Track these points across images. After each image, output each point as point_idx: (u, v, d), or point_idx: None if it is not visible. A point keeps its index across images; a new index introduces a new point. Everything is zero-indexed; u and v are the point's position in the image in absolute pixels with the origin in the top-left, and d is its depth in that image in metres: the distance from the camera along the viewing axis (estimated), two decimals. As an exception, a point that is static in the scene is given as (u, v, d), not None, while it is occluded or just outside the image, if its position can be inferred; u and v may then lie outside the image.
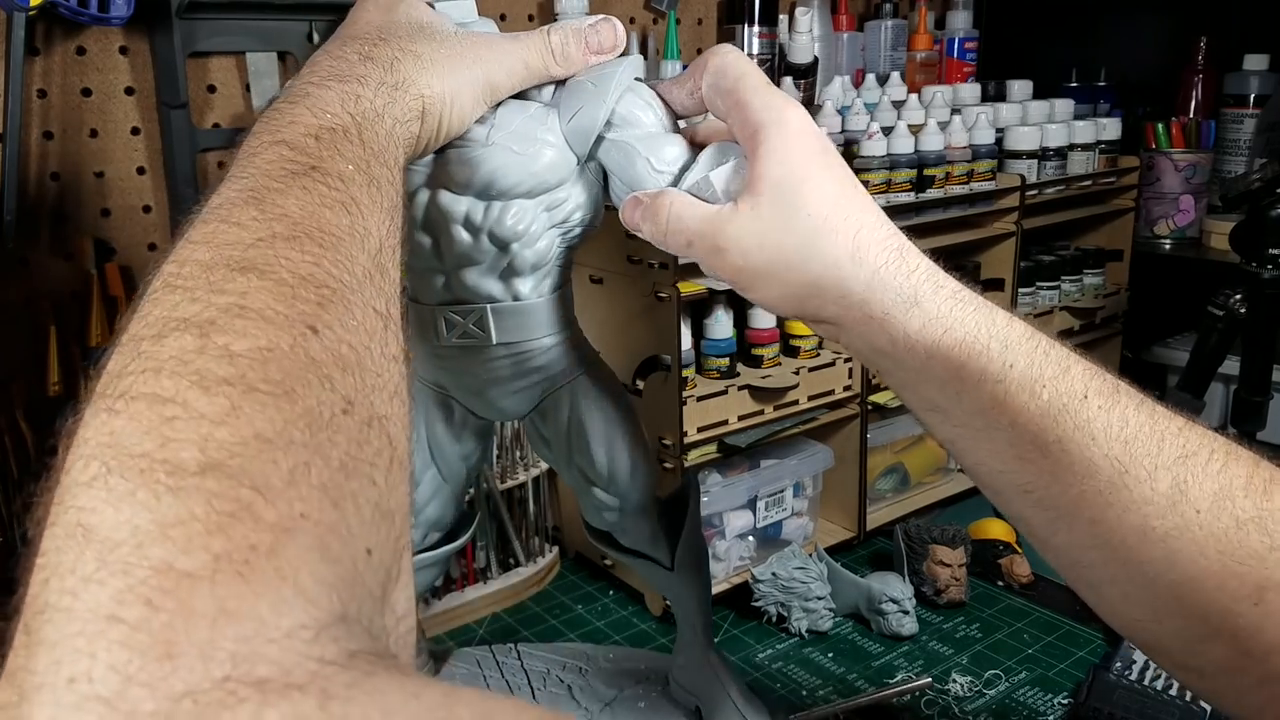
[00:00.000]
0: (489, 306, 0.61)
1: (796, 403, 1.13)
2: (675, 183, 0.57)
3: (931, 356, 0.50)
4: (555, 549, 1.20)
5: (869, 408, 1.19)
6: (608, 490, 0.69)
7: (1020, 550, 1.15)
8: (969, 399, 0.50)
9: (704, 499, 1.08)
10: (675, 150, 0.58)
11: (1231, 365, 1.12)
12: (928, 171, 1.19)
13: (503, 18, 1.22)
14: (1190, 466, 0.48)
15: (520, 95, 0.59)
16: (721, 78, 0.54)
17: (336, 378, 0.33)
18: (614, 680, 0.89)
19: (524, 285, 0.61)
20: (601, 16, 0.57)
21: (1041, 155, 1.32)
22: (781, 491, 1.15)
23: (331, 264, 0.36)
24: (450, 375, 0.65)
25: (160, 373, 0.30)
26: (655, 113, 0.58)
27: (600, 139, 0.58)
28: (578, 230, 0.61)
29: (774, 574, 1.05)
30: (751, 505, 1.13)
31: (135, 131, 1.00)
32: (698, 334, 1.10)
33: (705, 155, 0.57)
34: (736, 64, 0.54)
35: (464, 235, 0.58)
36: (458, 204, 0.57)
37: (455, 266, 0.59)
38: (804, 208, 0.51)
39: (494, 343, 0.62)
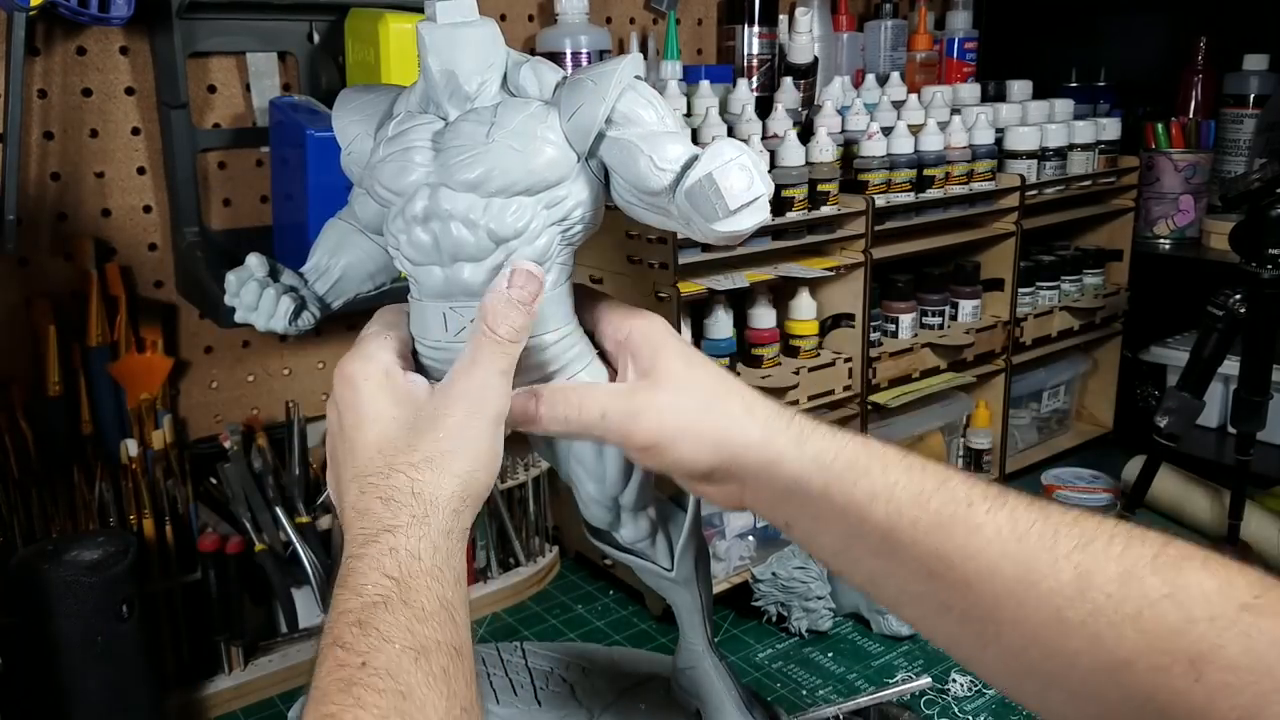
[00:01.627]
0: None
1: (796, 403, 1.13)
2: (678, 180, 0.57)
3: (827, 486, 0.54)
4: (555, 549, 1.20)
5: (869, 408, 1.19)
6: (606, 488, 0.68)
7: (1020, 550, 1.15)
8: (868, 527, 0.53)
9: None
10: (678, 149, 0.57)
11: (1231, 365, 1.12)
12: (927, 171, 1.19)
13: (503, 18, 1.22)
14: (1090, 552, 0.49)
15: (519, 93, 0.60)
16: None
17: None
18: (616, 681, 0.89)
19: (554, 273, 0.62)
20: (512, 268, 0.57)
21: (1041, 155, 1.32)
22: (781, 491, 1.15)
23: None
24: (435, 368, 0.65)
25: None
26: (657, 110, 0.58)
27: (601, 136, 0.58)
28: (578, 228, 0.61)
29: (774, 574, 1.05)
30: (751, 505, 1.13)
31: (135, 131, 1.00)
32: (698, 334, 1.10)
33: (708, 153, 0.56)
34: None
35: (464, 232, 0.58)
36: (457, 200, 0.57)
37: (453, 262, 0.59)
38: (700, 383, 0.60)
39: None
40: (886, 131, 1.17)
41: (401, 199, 0.59)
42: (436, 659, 0.46)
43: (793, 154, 1.09)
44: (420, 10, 0.95)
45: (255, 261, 0.68)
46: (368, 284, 0.71)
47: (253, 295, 0.66)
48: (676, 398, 0.58)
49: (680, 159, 0.57)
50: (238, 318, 0.67)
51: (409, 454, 0.53)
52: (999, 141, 1.30)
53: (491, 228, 0.58)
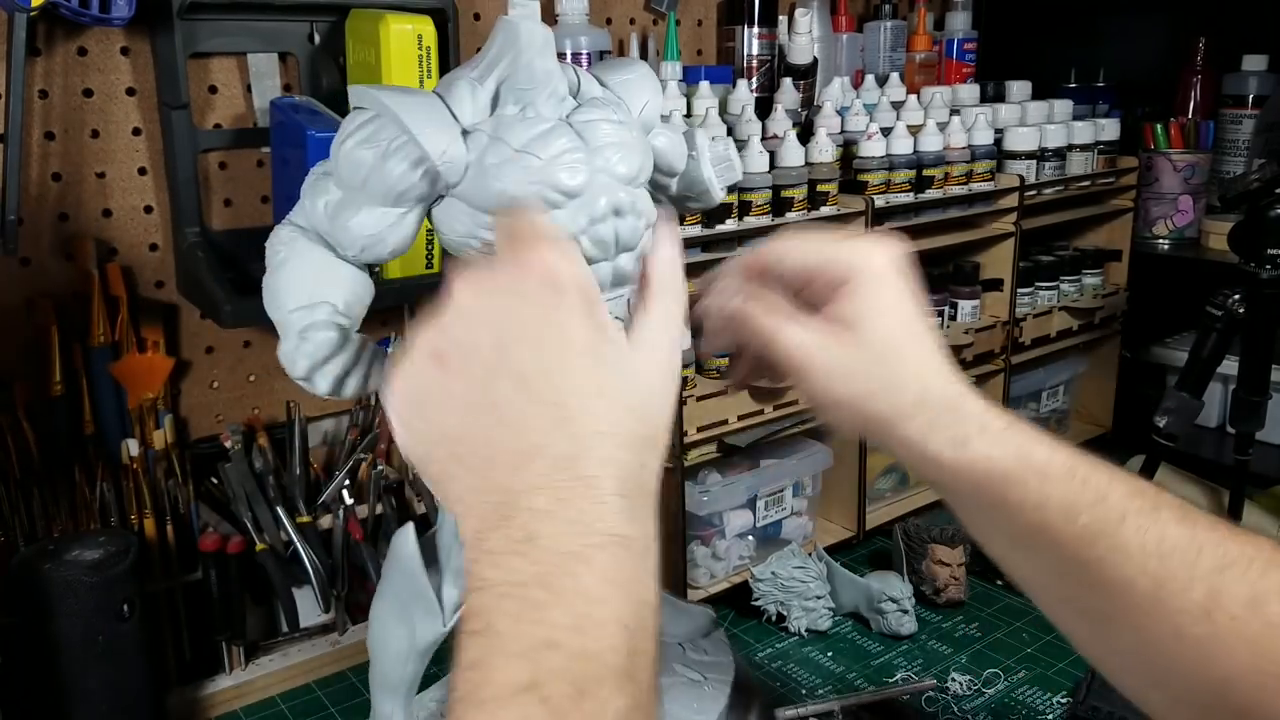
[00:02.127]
0: (631, 288, 0.64)
1: (796, 402, 1.13)
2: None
3: (977, 487, 0.53)
4: (555, 549, 1.20)
5: (868, 408, 1.19)
6: None
7: (1019, 550, 1.15)
8: (1011, 524, 0.52)
9: (704, 499, 1.08)
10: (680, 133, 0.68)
11: (1231, 365, 1.12)
12: (927, 172, 1.20)
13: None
14: (1227, 576, 0.49)
15: (576, 90, 0.64)
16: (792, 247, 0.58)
17: None
18: None
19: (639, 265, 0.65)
20: (655, 227, 0.55)
21: (1040, 156, 1.32)
22: (781, 491, 1.15)
23: None
24: None
25: None
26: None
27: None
28: None
29: (774, 573, 1.05)
30: (751, 505, 1.13)
31: (136, 132, 1.00)
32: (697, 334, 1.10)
33: (699, 139, 0.70)
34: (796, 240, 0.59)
35: (635, 223, 0.62)
36: (628, 194, 0.61)
37: (619, 253, 0.62)
38: (877, 354, 0.55)
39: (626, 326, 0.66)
40: (886, 132, 1.17)
41: (580, 197, 0.60)
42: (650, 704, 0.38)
43: (792, 154, 1.09)
44: (420, 10, 0.96)
45: (341, 317, 0.60)
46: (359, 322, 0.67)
47: (353, 354, 0.59)
48: (881, 309, 0.55)
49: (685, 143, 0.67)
50: (327, 388, 0.59)
51: (640, 424, 0.43)
52: (998, 142, 1.30)
53: (648, 215, 0.62)
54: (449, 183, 0.60)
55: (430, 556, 0.74)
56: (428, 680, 0.96)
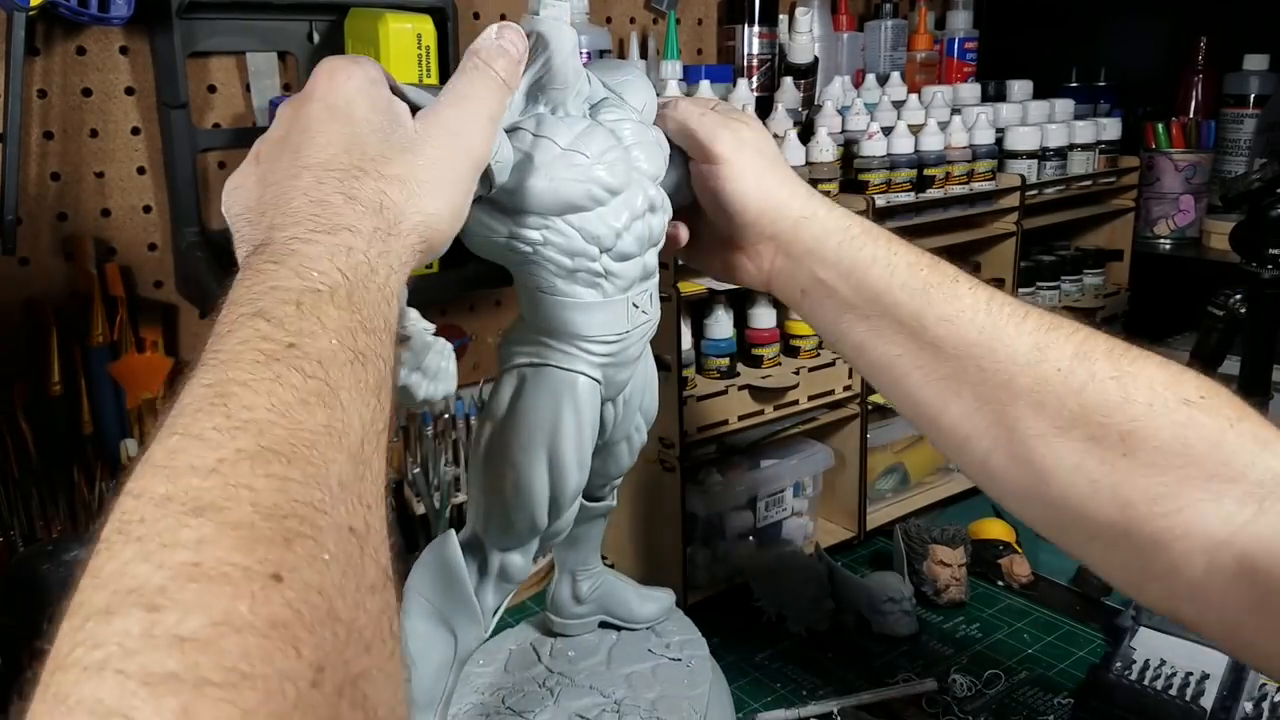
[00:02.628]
0: (654, 282, 0.67)
1: (796, 403, 1.13)
2: None
3: (840, 248, 0.64)
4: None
5: (869, 408, 1.19)
6: (644, 433, 0.75)
7: (1020, 550, 1.15)
8: (864, 289, 0.63)
9: (704, 499, 1.08)
10: None
11: (1231, 365, 1.12)
12: (928, 171, 1.19)
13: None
14: (1053, 335, 0.57)
15: (550, 99, 0.62)
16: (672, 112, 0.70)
17: (303, 639, 0.29)
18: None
19: (652, 259, 0.68)
20: (500, 24, 0.56)
21: (1041, 155, 1.32)
22: (781, 491, 1.15)
23: (301, 483, 0.33)
24: (613, 362, 0.67)
25: (104, 671, 0.27)
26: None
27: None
28: None
29: (774, 574, 1.05)
30: (751, 505, 1.13)
31: (135, 131, 1.00)
32: (698, 334, 1.10)
33: None
34: (680, 103, 0.71)
35: (663, 219, 0.65)
36: (655, 189, 0.64)
37: (648, 249, 0.65)
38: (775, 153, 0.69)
39: (655, 315, 0.68)
40: (886, 131, 1.17)
41: (622, 194, 0.62)
42: (372, 372, 0.40)
43: (793, 154, 1.09)
44: (419, 10, 0.96)
45: (422, 319, 0.58)
46: None
47: (439, 359, 0.58)
48: (759, 140, 0.67)
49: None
50: (424, 393, 0.58)
51: (382, 164, 0.46)
52: (999, 141, 1.30)
53: (669, 210, 0.66)
54: (496, 183, 0.60)
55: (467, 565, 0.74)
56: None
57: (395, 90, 0.51)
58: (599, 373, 0.67)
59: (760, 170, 0.66)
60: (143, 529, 0.31)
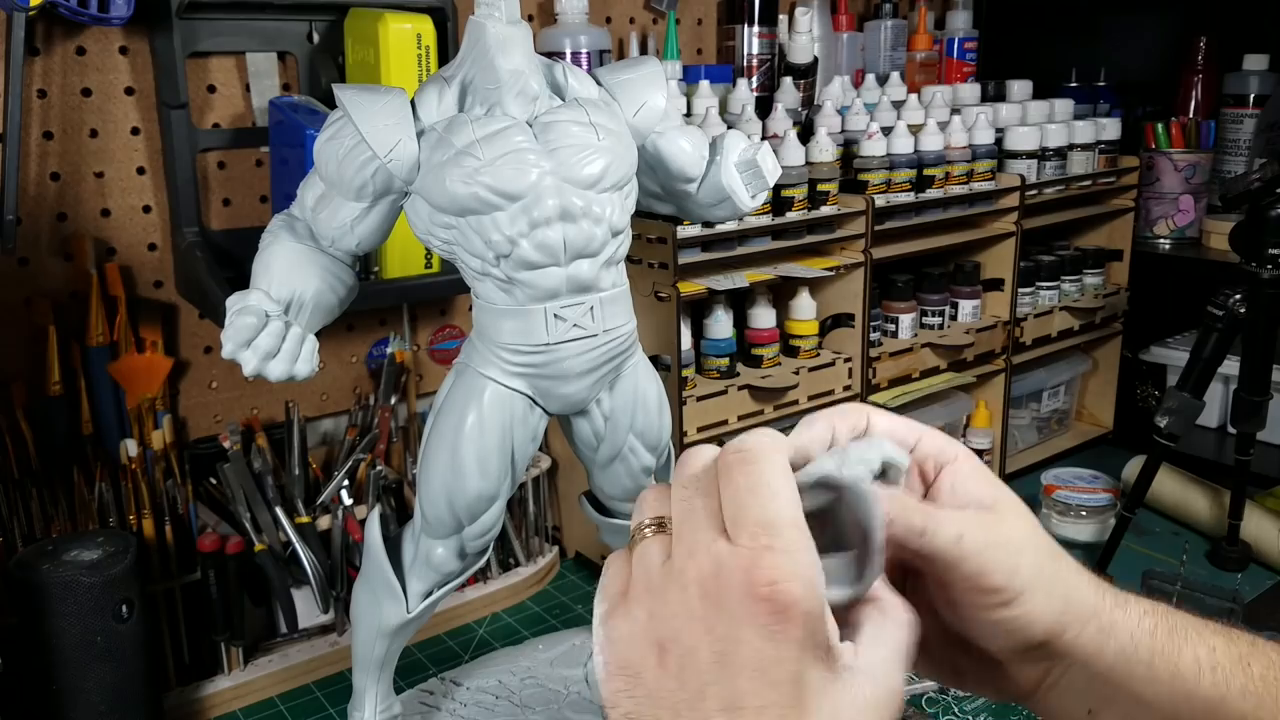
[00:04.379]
0: (599, 297, 0.64)
1: (796, 403, 1.13)
2: (710, 162, 0.66)
3: (1153, 657, 0.47)
4: (555, 549, 1.20)
5: (869, 408, 1.19)
6: (653, 452, 0.74)
7: (1020, 550, 1.15)
8: (1194, 701, 0.47)
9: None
10: (705, 139, 0.67)
11: (1231, 365, 1.12)
12: (927, 171, 1.19)
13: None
14: None
15: (562, 93, 0.63)
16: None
17: None
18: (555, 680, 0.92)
19: (617, 274, 0.65)
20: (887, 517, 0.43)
21: (1041, 155, 1.32)
22: (781, 491, 1.15)
23: None
24: (539, 374, 0.66)
25: None
26: (674, 106, 0.67)
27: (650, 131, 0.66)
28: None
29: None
30: (751, 505, 1.13)
31: (135, 131, 1.00)
32: (698, 334, 1.10)
33: (729, 141, 0.67)
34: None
35: (593, 229, 0.61)
36: (584, 198, 0.61)
37: (574, 259, 0.62)
38: (1038, 531, 0.48)
39: (600, 331, 0.65)
40: (886, 131, 1.17)
41: (521, 200, 0.59)
42: None
43: (793, 154, 1.08)
44: (418, 10, 0.96)
45: (270, 303, 0.61)
46: (333, 314, 0.68)
47: (274, 340, 0.60)
48: (1032, 537, 0.47)
49: (708, 147, 0.66)
50: (251, 369, 0.60)
51: None
52: (999, 141, 1.30)
53: (613, 221, 0.62)
54: (404, 180, 0.61)
55: (402, 547, 0.75)
56: (411, 670, 0.96)
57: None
58: (521, 383, 0.66)
59: (1050, 582, 0.46)
60: None
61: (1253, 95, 1.57)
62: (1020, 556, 0.45)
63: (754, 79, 1.33)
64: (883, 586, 0.42)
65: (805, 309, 1.15)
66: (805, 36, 1.31)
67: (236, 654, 0.97)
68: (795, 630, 0.37)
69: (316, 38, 1.04)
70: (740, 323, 1.13)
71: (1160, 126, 1.58)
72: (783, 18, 1.36)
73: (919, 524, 0.44)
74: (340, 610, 1.01)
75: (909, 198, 1.18)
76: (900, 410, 1.23)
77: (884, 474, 0.43)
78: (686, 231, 0.99)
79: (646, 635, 0.39)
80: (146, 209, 1.02)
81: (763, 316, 1.12)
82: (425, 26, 0.95)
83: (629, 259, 1.01)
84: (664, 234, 0.98)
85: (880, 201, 1.14)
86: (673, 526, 0.41)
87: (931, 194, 1.20)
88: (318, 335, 0.65)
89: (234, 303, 0.61)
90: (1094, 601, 0.47)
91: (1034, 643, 0.46)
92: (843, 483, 0.42)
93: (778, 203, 1.09)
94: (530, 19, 1.25)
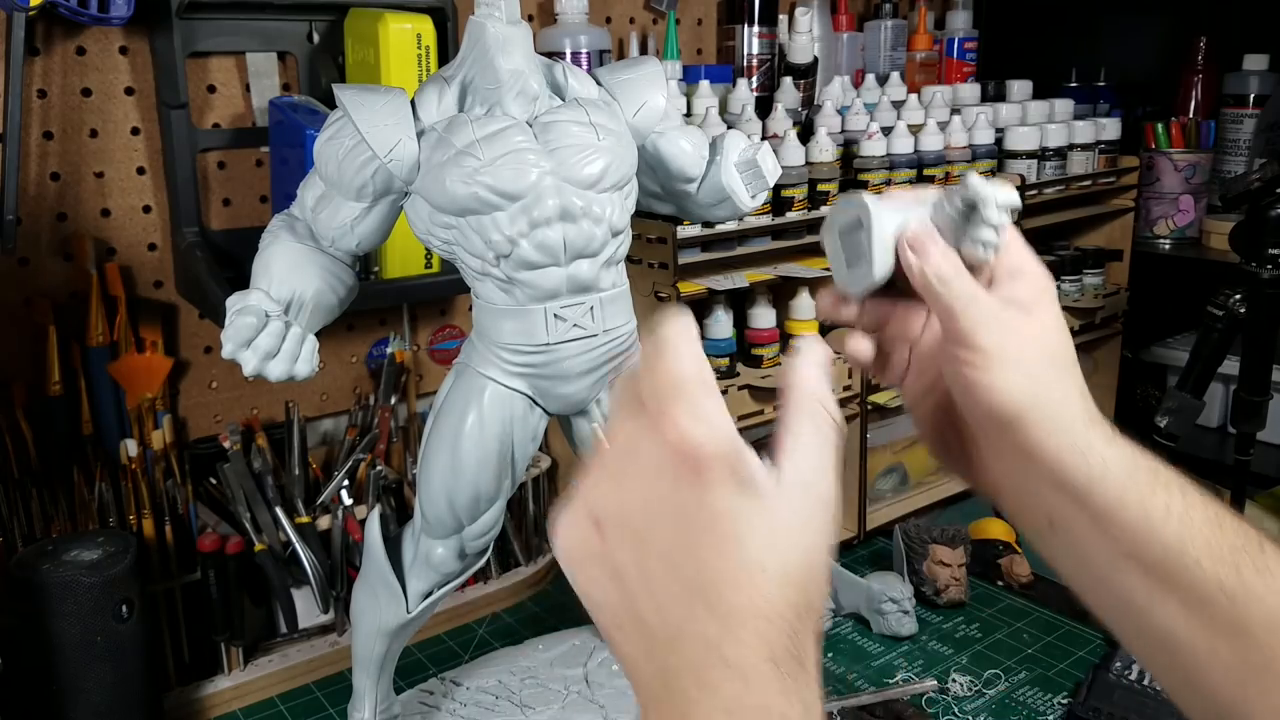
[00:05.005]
0: (599, 297, 0.63)
1: (796, 403, 1.13)
2: (710, 162, 0.66)
3: (1124, 492, 0.49)
4: (555, 549, 1.20)
5: (869, 408, 1.19)
6: None
7: (1020, 550, 1.15)
8: (1153, 544, 0.48)
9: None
10: (705, 139, 0.66)
11: (1231, 365, 1.12)
12: (927, 171, 1.19)
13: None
14: None
15: (563, 93, 0.62)
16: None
17: None
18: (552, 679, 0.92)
19: (617, 274, 0.65)
20: (798, 342, 0.47)
21: (1041, 155, 1.32)
22: (781, 491, 1.15)
23: None
24: (539, 374, 0.66)
25: None
26: (675, 106, 0.66)
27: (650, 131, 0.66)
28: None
29: (774, 574, 1.05)
30: (751, 505, 1.13)
31: (135, 131, 1.00)
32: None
33: (729, 141, 0.66)
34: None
35: (593, 228, 0.61)
36: (584, 198, 0.60)
37: (574, 259, 0.62)
38: (1061, 342, 0.51)
39: (600, 331, 0.65)
40: (886, 131, 1.17)
41: (521, 200, 0.59)
42: None
43: (793, 154, 1.08)
44: (418, 10, 0.96)
45: (270, 303, 0.61)
46: (333, 314, 0.68)
47: (274, 340, 0.60)
48: (1045, 335, 0.50)
49: (708, 147, 0.65)
50: (251, 369, 0.60)
51: (794, 594, 0.40)
52: (999, 141, 1.30)
53: (613, 221, 0.62)
54: (404, 180, 0.61)
55: (402, 547, 0.75)
56: (411, 670, 0.96)
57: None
58: (520, 382, 0.66)
59: (1034, 372, 0.50)
60: None
61: (1253, 95, 1.57)
62: (1019, 342, 0.49)
63: (754, 79, 1.33)
64: (816, 398, 0.44)
65: (805, 309, 1.15)
66: (805, 36, 1.31)
67: (236, 654, 0.97)
68: (709, 473, 0.40)
69: (316, 38, 1.04)
70: (740, 323, 1.13)
71: (1160, 126, 1.58)
72: (783, 18, 1.36)
73: (947, 272, 0.49)
74: (340, 610, 1.01)
75: (909, 198, 1.18)
76: (900, 410, 1.23)
77: (971, 211, 0.48)
78: (686, 231, 0.99)
79: (582, 517, 0.41)
80: (146, 209, 1.02)
81: (763, 316, 1.12)
82: (425, 26, 0.95)
83: (629, 259, 1.01)
84: (664, 234, 0.98)
85: (880, 201, 1.14)
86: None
87: (931, 194, 1.20)
88: (318, 335, 0.65)
89: (234, 303, 0.61)
90: (1076, 418, 0.49)
91: (1002, 419, 0.49)
92: (853, 199, 0.50)
93: (778, 203, 1.09)
94: (530, 19, 1.25)
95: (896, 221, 0.50)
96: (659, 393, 0.41)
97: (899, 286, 0.52)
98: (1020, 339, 0.49)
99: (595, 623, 0.42)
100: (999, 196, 0.48)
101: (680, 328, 0.42)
